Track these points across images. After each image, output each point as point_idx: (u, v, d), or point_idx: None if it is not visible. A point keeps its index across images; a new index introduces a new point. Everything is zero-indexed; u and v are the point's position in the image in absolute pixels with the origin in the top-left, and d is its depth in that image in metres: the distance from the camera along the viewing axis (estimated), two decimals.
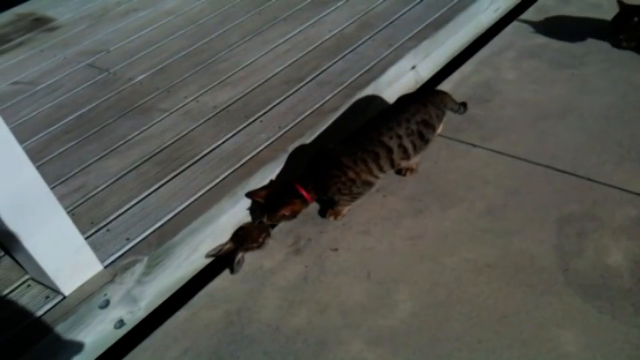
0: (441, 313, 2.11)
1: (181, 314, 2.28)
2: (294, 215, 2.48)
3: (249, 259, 2.46)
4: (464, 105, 2.84)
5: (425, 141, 2.57)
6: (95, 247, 2.20)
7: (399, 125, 2.46)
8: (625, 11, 3.23)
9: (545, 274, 2.18)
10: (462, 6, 3.62)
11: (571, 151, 2.72)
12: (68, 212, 2.05)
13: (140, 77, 3.50)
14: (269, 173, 2.61)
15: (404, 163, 2.61)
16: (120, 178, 2.65)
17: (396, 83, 3.20)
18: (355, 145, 2.47)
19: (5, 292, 2.15)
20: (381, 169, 2.50)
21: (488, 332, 2.02)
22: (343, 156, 2.45)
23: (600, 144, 2.72)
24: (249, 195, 2.55)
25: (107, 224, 2.38)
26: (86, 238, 2.17)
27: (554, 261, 2.23)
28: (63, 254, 2.02)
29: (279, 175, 2.67)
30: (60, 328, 1.98)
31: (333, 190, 2.47)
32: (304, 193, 2.45)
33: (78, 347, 2.06)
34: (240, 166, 2.62)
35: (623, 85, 3.08)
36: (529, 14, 3.86)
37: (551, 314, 2.04)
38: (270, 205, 2.45)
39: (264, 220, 2.46)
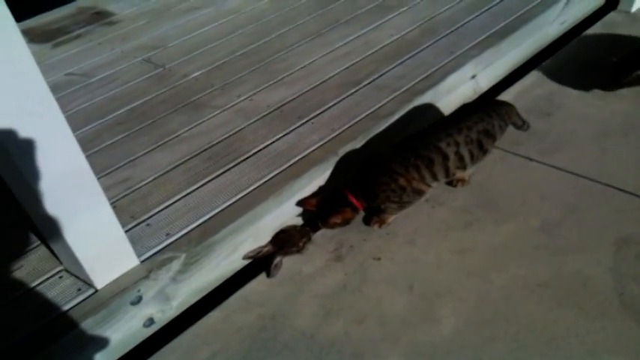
0: (485, 332, 2.02)
1: (213, 315, 2.23)
2: (346, 222, 2.45)
3: (288, 263, 2.41)
4: (526, 123, 2.74)
5: (483, 151, 2.49)
6: (133, 241, 2.17)
7: (459, 132, 2.39)
8: (626, 61, 3.07)
9: (599, 297, 2.08)
10: (529, 17, 3.52)
11: (633, 170, 2.60)
12: (110, 204, 2.04)
13: (195, 74, 3.50)
14: (318, 175, 2.56)
15: (459, 174, 2.52)
16: (166, 172, 2.63)
17: (454, 92, 3.12)
18: (409, 150, 2.39)
19: (37, 282, 2.14)
20: (435, 177, 2.42)
21: (534, 355, 1.93)
22: (394, 162, 2.38)
23: None
24: (299, 203, 2.52)
25: (148, 218, 2.36)
26: (126, 232, 2.15)
27: (609, 284, 2.12)
28: (100, 245, 1.99)
29: (328, 179, 2.62)
30: (89, 322, 1.96)
31: (382, 198, 2.41)
32: (354, 200, 2.40)
33: (105, 343, 2.04)
34: (289, 166, 2.57)
35: None
36: (596, 29, 3.74)
37: (603, 339, 1.94)
38: (321, 213, 2.44)
39: (319, 225, 2.46)
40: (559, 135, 2.87)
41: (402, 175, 2.36)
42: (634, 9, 3.90)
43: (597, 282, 2.13)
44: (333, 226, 2.46)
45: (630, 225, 2.33)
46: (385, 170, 2.39)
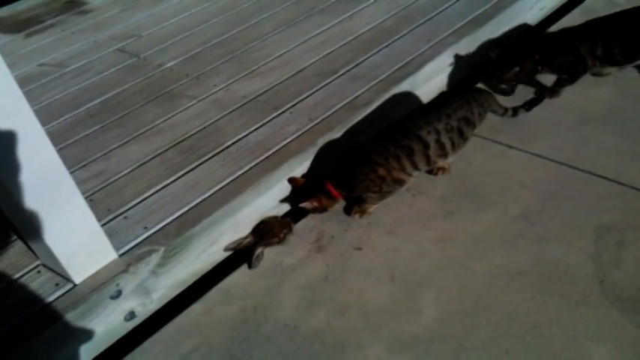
0: (468, 321, 2.02)
1: (195, 308, 2.20)
2: (321, 209, 2.45)
3: (269, 254, 2.38)
4: (514, 110, 2.76)
5: (464, 139, 2.48)
6: (111, 235, 2.14)
7: (438, 120, 2.38)
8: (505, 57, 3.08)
9: (580, 284, 2.08)
10: (507, 3, 3.51)
11: (614, 157, 2.60)
12: (86, 197, 2.00)
13: (170, 64, 3.45)
14: (296, 166, 2.53)
15: (440, 162, 2.51)
16: (142, 164, 2.59)
17: (433, 80, 3.10)
18: (388, 140, 2.38)
19: (15, 277, 2.10)
20: (416, 167, 2.41)
21: (516, 343, 1.92)
22: (374, 152, 2.37)
23: None
24: (290, 180, 2.50)
25: (125, 211, 2.32)
26: (102, 225, 2.12)
27: (590, 271, 2.12)
28: (77, 240, 1.96)
29: (309, 170, 2.60)
30: (69, 317, 1.92)
31: (361, 188, 2.40)
32: (332, 189, 2.39)
33: (87, 336, 2.00)
34: (267, 157, 2.54)
35: None
36: (574, 15, 3.73)
37: (584, 327, 1.94)
38: (297, 195, 2.46)
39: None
40: (539, 123, 2.87)
41: (382, 165, 2.34)
42: None
43: (578, 269, 2.13)
44: (306, 209, 2.46)
45: (611, 212, 2.33)
46: (364, 160, 2.37)
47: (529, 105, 2.80)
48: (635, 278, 2.06)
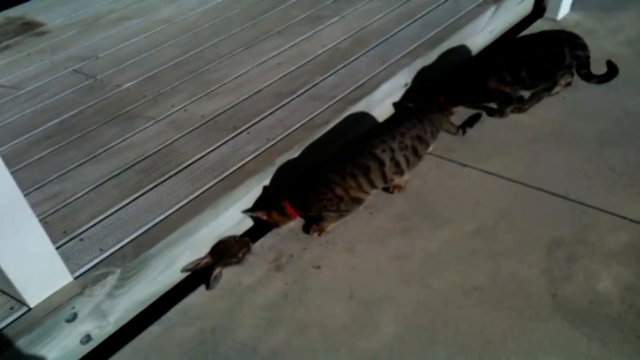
0: (425, 337, 2.04)
1: (153, 330, 2.18)
2: (272, 224, 2.49)
3: (228, 274, 2.38)
4: (463, 128, 2.81)
5: (418, 157, 2.52)
6: (66, 258, 2.11)
7: (392, 139, 2.41)
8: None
9: (533, 298, 2.13)
10: (458, 26, 3.58)
11: (563, 174, 2.68)
12: (41, 220, 1.96)
13: (127, 84, 3.42)
14: (255, 185, 2.54)
15: (396, 179, 2.55)
16: (98, 186, 2.56)
17: (388, 100, 3.15)
18: (345, 159, 2.41)
19: None
20: (372, 185, 2.44)
21: (473, 358, 1.96)
22: (331, 172, 2.39)
23: (593, 168, 2.69)
24: (264, 188, 2.55)
25: (81, 233, 2.29)
26: (57, 248, 2.09)
27: (542, 285, 2.18)
28: (31, 264, 1.92)
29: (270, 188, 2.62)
30: (23, 342, 1.88)
31: (318, 207, 2.42)
32: (288, 207, 2.40)
33: None
34: (225, 177, 2.54)
35: (617, 111, 3.05)
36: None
37: (538, 340, 1.99)
38: (255, 205, 2.51)
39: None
40: (491, 141, 2.94)
41: (339, 184, 2.37)
42: (560, 17, 4.04)
43: (531, 284, 2.18)
44: (253, 218, 2.52)
45: (561, 228, 2.40)
46: (322, 180, 2.39)
47: (470, 122, 2.85)
48: (586, 291, 2.12)
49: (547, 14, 4.09)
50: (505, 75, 2.97)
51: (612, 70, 3.05)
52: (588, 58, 3.02)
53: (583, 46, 3.00)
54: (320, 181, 2.40)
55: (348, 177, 2.37)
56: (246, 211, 2.50)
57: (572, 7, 4.12)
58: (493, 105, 3.15)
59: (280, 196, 2.46)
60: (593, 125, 2.97)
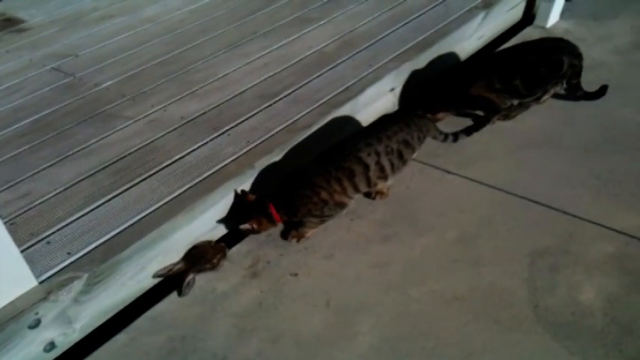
0: (403, 348, 1.99)
1: (120, 338, 2.11)
2: (258, 231, 2.39)
3: (202, 281, 2.31)
4: (455, 135, 2.77)
5: (403, 161, 2.47)
6: (32, 261, 2.04)
7: (379, 142, 2.36)
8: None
9: (514, 309, 2.08)
10: (447, 31, 3.54)
11: (548, 182, 2.63)
12: (9, 221, 1.90)
13: (107, 83, 3.35)
14: (232, 188, 2.47)
15: (380, 184, 2.49)
16: (71, 186, 2.48)
17: (373, 104, 3.09)
18: (330, 162, 2.35)
19: None
20: (357, 189, 2.38)
21: None
22: (316, 176, 2.33)
23: (578, 177, 2.65)
24: (242, 192, 2.44)
25: (48, 236, 2.21)
26: (23, 251, 2.02)
27: (524, 296, 2.13)
28: None
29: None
30: None
31: (303, 212, 2.36)
32: (274, 212, 2.34)
33: None
34: (202, 180, 2.47)
35: (604, 119, 3.01)
36: (512, 43, 3.77)
37: (518, 353, 1.94)
38: (238, 215, 2.41)
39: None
40: (475, 148, 2.88)
41: (324, 188, 2.31)
42: (549, 24, 4.00)
43: (512, 294, 2.13)
44: (245, 230, 2.39)
45: (544, 237, 2.35)
46: (307, 184, 2.33)
47: (468, 130, 2.80)
48: (569, 303, 2.07)
49: (536, 22, 4.05)
50: (494, 82, 2.92)
51: (601, 92, 3.04)
52: (582, 68, 2.99)
53: (579, 56, 2.97)
54: (305, 184, 2.34)
55: (334, 181, 2.32)
56: (236, 224, 2.39)
57: (562, 15, 4.09)
58: (480, 113, 3.11)
59: (265, 201, 2.37)
60: (580, 133, 2.93)
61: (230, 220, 2.47)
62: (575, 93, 3.05)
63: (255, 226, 2.36)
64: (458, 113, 3.14)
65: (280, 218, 2.38)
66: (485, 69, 3.03)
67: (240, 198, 2.45)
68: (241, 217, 2.37)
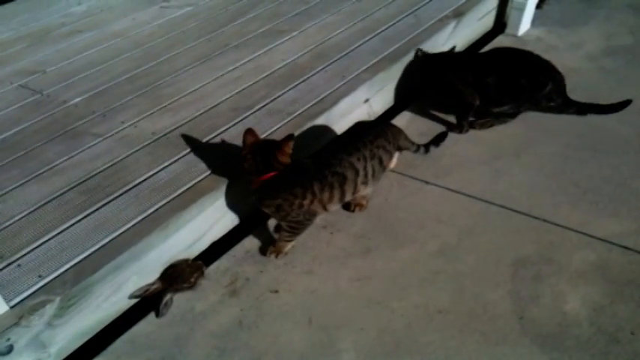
0: None
1: None
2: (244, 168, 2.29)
3: (180, 300, 2.24)
4: (427, 146, 2.75)
5: (383, 167, 2.45)
6: (2, 285, 1.98)
7: (364, 146, 2.34)
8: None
9: (499, 321, 2.05)
10: (419, 40, 3.52)
11: (526, 190, 2.62)
12: None
13: (75, 100, 3.27)
14: (208, 204, 2.42)
15: (361, 191, 2.44)
16: (40, 207, 2.40)
17: (348, 115, 3.06)
18: (325, 166, 2.28)
19: None
20: (343, 196, 2.34)
21: None
22: (315, 181, 2.25)
23: (556, 184, 2.64)
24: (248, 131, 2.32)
25: (18, 259, 2.14)
26: None
27: (509, 307, 2.10)
28: None
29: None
30: None
31: (277, 201, 2.24)
32: (266, 176, 2.24)
33: None
34: (176, 196, 2.41)
35: (580, 125, 3.00)
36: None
37: None
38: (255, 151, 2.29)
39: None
40: (453, 157, 2.87)
41: (316, 195, 2.25)
42: (520, 32, 4.03)
43: (497, 306, 2.10)
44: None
45: (526, 246, 2.33)
46: (302, 183, 2.25)
47: (436, 140, 2.78)
48: (554, 313, 2.05)
49: (508, 30, 4.07)
50: (469, 74, 2.93)
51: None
52: (561, 105, 2.98)
53: (562, 93, 2.96)
54: (299, 182, 2.25)
55: (327, 188, 2.26)
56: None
57: (533, 22, 4.11)
58: (453, 120, 3.10)
59: (285, 143, 2.24)
60: (556, 140, 2.93)
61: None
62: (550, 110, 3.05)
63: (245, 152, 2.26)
64: (434, 105, 3.18)
65: (259, 181, 2.25)
66: (471, 61, 3.03)
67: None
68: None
